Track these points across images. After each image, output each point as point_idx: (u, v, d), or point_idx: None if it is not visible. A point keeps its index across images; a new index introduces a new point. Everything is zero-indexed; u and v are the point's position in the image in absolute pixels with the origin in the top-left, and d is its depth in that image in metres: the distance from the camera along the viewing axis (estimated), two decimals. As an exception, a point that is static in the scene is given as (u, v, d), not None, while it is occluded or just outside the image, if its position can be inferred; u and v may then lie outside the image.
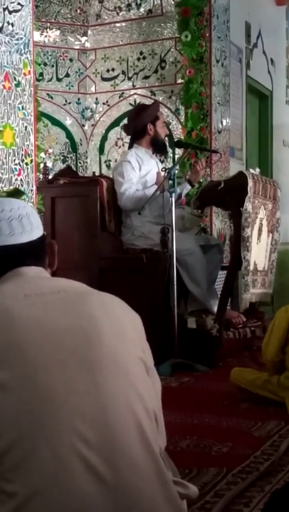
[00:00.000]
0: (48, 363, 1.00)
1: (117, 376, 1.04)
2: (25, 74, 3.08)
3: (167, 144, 4.30)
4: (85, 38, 5.52)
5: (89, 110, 5.54)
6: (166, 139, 4.22)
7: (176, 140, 4.22)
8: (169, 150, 4.38)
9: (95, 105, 5.52)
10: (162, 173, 3.89)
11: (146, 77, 5.32)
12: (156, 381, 1.21)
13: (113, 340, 1.07)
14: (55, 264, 1.28)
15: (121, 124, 5.39)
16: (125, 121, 5.22)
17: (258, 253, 3.89)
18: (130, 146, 4.29)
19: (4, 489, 0.94)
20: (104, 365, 1.04)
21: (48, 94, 5.34)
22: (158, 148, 4.22)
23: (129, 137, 4.37)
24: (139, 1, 5.31)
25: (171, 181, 3.58)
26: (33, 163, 3.14)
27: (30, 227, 1.19)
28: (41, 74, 5.16)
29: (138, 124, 4.19)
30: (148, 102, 4.98)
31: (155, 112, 4.23)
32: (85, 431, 0.98)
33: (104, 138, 5.51)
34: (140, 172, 4.10)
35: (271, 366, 2.73)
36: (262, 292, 3.97)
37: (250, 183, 3.65)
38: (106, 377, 1.03)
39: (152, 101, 4.81)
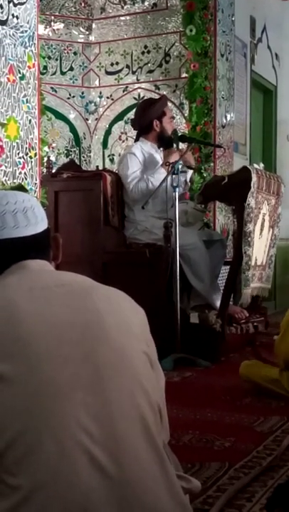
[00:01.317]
0: (52, 356, 1.00)
1: (122, 370, 1.04)
2: (29, 67, 3.07)
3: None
4: (89, 31, 5.50)
5: (93, 104, 5.52)
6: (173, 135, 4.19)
7: (180, 134, 4.20)
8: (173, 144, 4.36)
9: (98, 99, 5.51)
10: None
11: (150, 71, 5.30)
12: (160, 375, 1.21)
13: (118, 334, 1.07)
14: (60, 257, 1.27)
15: (125, 118, 5.38)
16: (129, 115, 5.24)
17: (259, 248, 3.88)
18: (136, 140, 4.28)
19: (8, 482, 0.94)
20: (108, 359, 1.04)
21: (51, 88, 5.33)
22: (164, 144, 4.20)
23: (136, 131, 4.36)
24: (143, -5, 5.29)
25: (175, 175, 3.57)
26: (37, 156, 3.13)
27: (34, 220, 1.19)
28: (45, 67, 5.14)
29: (144, 120, 4.18)
30: (154, 96, 4.98)
31: (162, 107, 4.21)
32: (89, 425, 0.98)
33: (108, 132, 5.49)
34: (146, 162, 4.09)
35: (284, 363, 2.71)
36: (259, 286, 3.96)
37: (254, 178, 3.64)
38: (110, 371, 1.03)
39: (159, 95, 4.80)
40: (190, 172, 4.22)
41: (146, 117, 4.16)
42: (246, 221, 3.61)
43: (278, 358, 2.75)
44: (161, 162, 4.13)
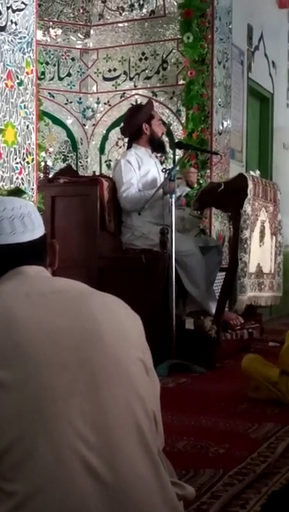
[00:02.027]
0: (49, 363, 1.00)
1: (118, 377, 1.04)
2: (27, 73, 3.08)
3: (167, 142, 4.29)
4: (87, 37, 5.52)
5: (90, 110, 5.54)
6: (165, 137, 4.20)
7: (176, 141, 4.22)
8: (169, 150, 4.38)
9: (96, 105, 5.53)
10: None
11: (147, 78, 5.33)
12: (156, 382, 1.21)
13: (114, 341, 1.07)
14: (56, 263, 1.28)
15: (121, 124, 5.40)
16: (126, 122, 5.27)
17: (263, 256, 3.88)
18: (129, 147, 4.30)
19: (3, 488, 0.95)
20: (104, 365, 1.04)
21: (49, 93, 5.34)
22: (156, 147, 4.21)
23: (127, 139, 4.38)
24: (141, 2, 5.31)
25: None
26: (34, 161, 3.14)
27: (31, 226, 1.19)
28: (43, 73, 5.15)
29: (133, 125, 4.22)
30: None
31: (149, 110, 4.23)
32: (85, 431, 0.98)
33: (105, 138, 5.51)
34: (140, 171, 4.11)
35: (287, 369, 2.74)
36: (272, 295, 3.98)
37: (251, 185, 3.65)
38: (106, 378, 1.03)
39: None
40: (187, 189, 4.23)
41: (134, 122, 4.20)
42: (242, 228, 3.62)
43: (283, 366, 2.76)
44: (155, 167, 4.13)
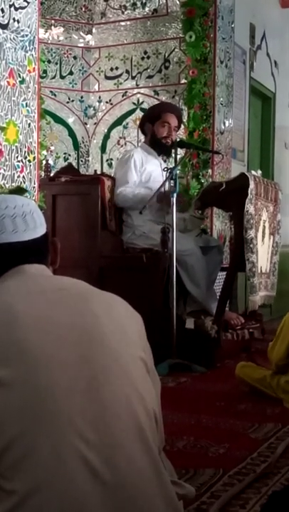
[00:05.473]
0: (49, 361, 1.00)
1: (118, 376, 1.04)
2: (29, 71, 3.08)
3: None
4: (89, 36, 5.51)
5: (92, 108, 5.54)
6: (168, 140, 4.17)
7: (178, 140, 4.20)
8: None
9: (97, 103, 5.52)
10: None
11: (149, 77, 5.32)
12: (156, 381, 1.21)
13: (115, 339, 1.07)
14: (58, 262, 1.28)
15: (124, 122, 5.41)
16: (128, 120, 5.32)
17: (262, 256, 3.89)
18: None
19: (3, 487, 0.95)
20: (105, 364, 1.04)
21: (51, 92, 5.34)
22: (157, 148, 4.17)
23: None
24: (144, 0, 5.30)
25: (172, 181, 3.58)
26: (36, 160, 3.14)
27: (33, 224, 1.19)
28: (45, 71, 5.15)
29: (139, 124, 4.28)
30: (153, 101, 5.03)
31: (159, 111, 4.22)
32: (85, 430, 0.98)
33: (107, 136, 5.51)
34: (142, 169, 4.10)
35: (275, 367, 2.80)
36: (265, 295, 3.98)
37: (252, 185, 3.65)
38: (107, 376, 1.03)
39: (159, 101, 4.84)
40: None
41: (142, 119, 4.23)
42: (246, 228, 3.61)
43: (270, 362, 2.82)
44: (159, 167, 4.12)
